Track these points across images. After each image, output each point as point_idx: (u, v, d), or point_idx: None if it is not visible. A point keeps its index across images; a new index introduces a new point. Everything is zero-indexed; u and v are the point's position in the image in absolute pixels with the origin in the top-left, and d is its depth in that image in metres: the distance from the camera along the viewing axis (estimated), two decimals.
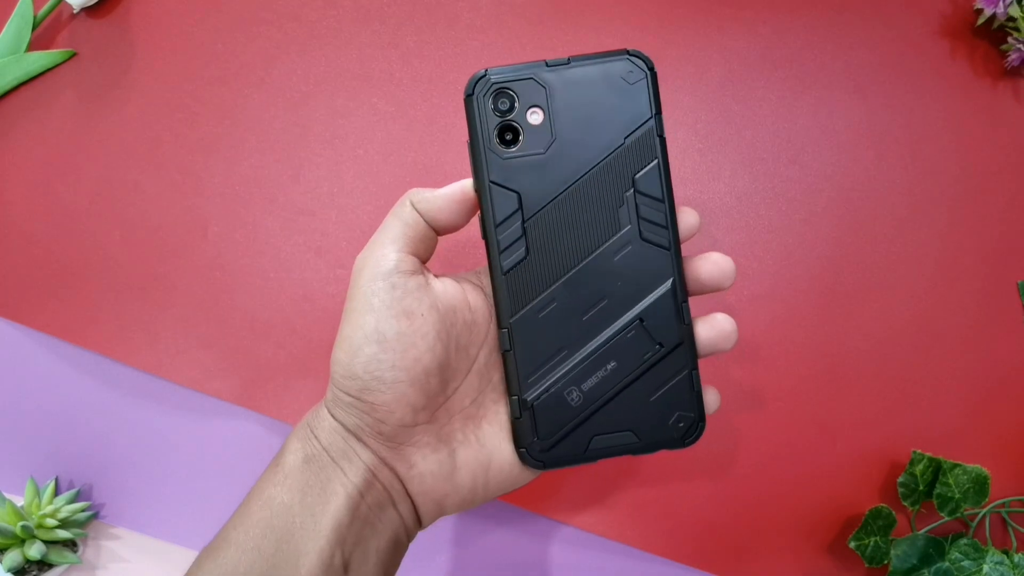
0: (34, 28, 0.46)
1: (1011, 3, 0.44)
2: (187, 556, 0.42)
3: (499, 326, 0.28)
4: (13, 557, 0.39)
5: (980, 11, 0.45)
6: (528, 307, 0.28)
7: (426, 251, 0.29)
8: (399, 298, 0.27)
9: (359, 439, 0.27)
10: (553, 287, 0.28)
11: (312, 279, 0.43)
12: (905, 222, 0.44)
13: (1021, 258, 0.44)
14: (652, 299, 0.28)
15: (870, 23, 0.46)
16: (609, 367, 0.28)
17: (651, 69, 0.27)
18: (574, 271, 0.27)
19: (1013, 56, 0.44)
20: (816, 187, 0.44)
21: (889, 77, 0.45)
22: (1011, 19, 0.44)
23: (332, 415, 0.28)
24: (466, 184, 0.28)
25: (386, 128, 0.45)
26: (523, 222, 0.27)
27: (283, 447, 0.28)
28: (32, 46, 0.46)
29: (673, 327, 0.28)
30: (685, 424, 0.28)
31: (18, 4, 0.46)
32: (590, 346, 0.28)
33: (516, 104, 0.27)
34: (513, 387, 0.28)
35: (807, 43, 0.46)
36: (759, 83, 0.45)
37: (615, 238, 0.27)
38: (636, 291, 0.28)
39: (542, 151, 0.27)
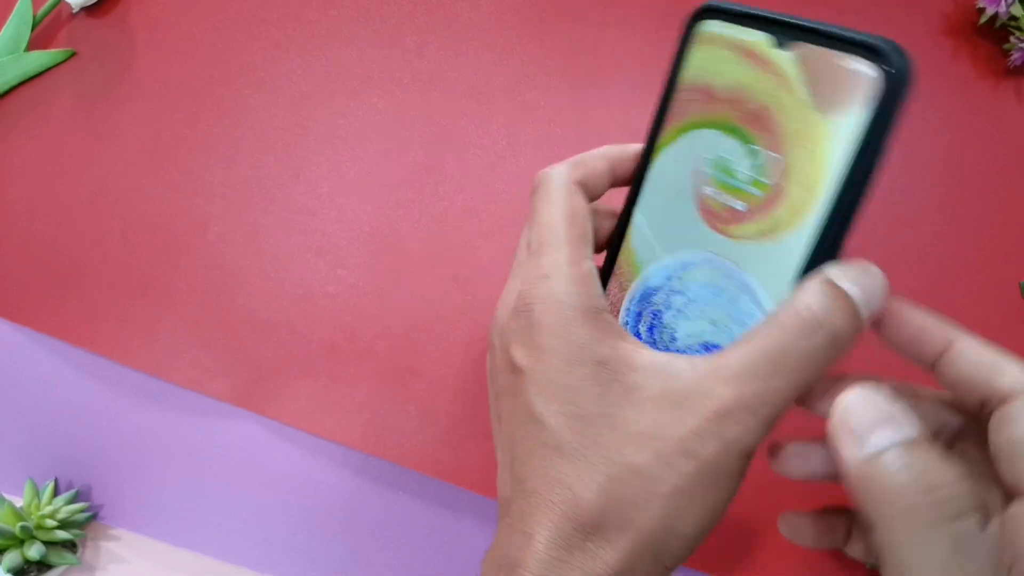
0: (33, 27, 0.46)
1: (1013, 2, 0.43)
2: (186, 557, 0.42)
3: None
4: (12, 558, 0.39)
5: (982, 10, 0.45)
6: None
7: None
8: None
9: None
10: None
11: (312, 279, 0.43)
12: (905, 221, 0.44)
13: (1022, 258, 0.43)
14: None
15: (872, 22, 0.46)
16: None
17: None
18: None
19: (1015, 55, 0.44)
20: None
21: None
22: (1013, 18, 0.44)
23: None
24: None
25: (386, 127, 0.45)
26: None
27: None
28: (31, 45, 0.46)
29: None
30: None
31: (17, 3, 0.46)
32: None
33: None
34: None
35: None
36: None
37: None
38: None
39: None
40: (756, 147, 0.21)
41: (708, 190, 0.22)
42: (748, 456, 0.19)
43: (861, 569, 0.42)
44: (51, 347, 0.44)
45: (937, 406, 0.22)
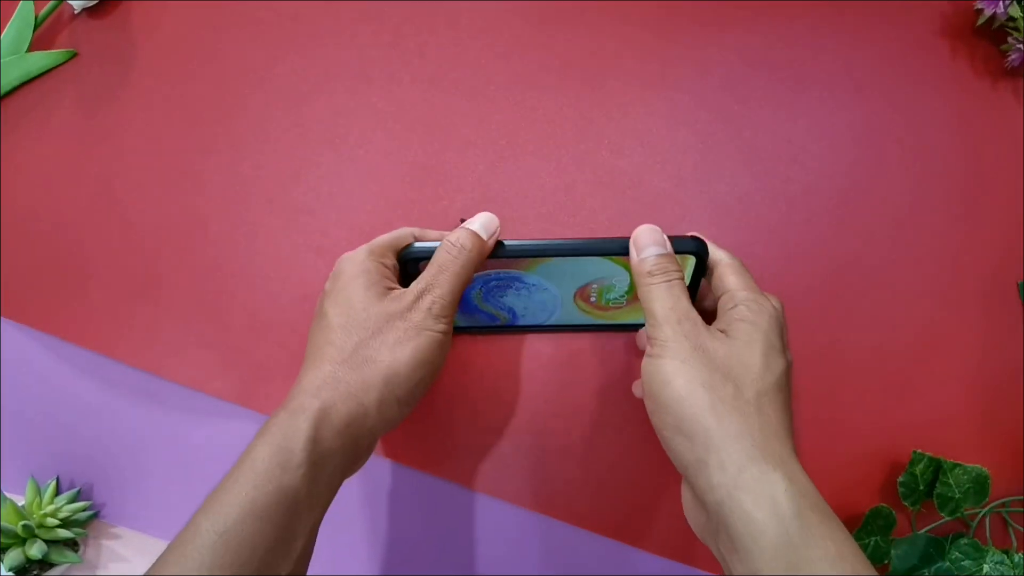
0: (35, 28, 0.46)
1: (1011, 3, 0.44)
2: None
3: None
4: (14, 556, 0.39)
5: (980, 11, 0.45)
6: None
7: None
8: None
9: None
10: None
11: (312, 279, 0.43)
12: (905, 222, 0.44)
13: (1020, 258, 0.44)
14: None
15: (871, 23, 0.46)
16: None
17: None
18: None
19: (1013, 56, 0.44)
20: (816, 187, 0.44)
21: (889, 77, 0.45)
22: (1011, 19, 0.44)
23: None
24: None
25: (386, 128, 0.45)
26: None
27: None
28: (33, 46, 0.46)
29: None
30: None
31: (20, 5, 0.46)
32: None
33: None
34: None
35: (808, 43, 0.46)
36: (760, 83, 0.45)
37: None
38: None
39: None
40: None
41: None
42: (437, 317, 0.33)
43: None
44: (53, 347, 0.44)
45: None
